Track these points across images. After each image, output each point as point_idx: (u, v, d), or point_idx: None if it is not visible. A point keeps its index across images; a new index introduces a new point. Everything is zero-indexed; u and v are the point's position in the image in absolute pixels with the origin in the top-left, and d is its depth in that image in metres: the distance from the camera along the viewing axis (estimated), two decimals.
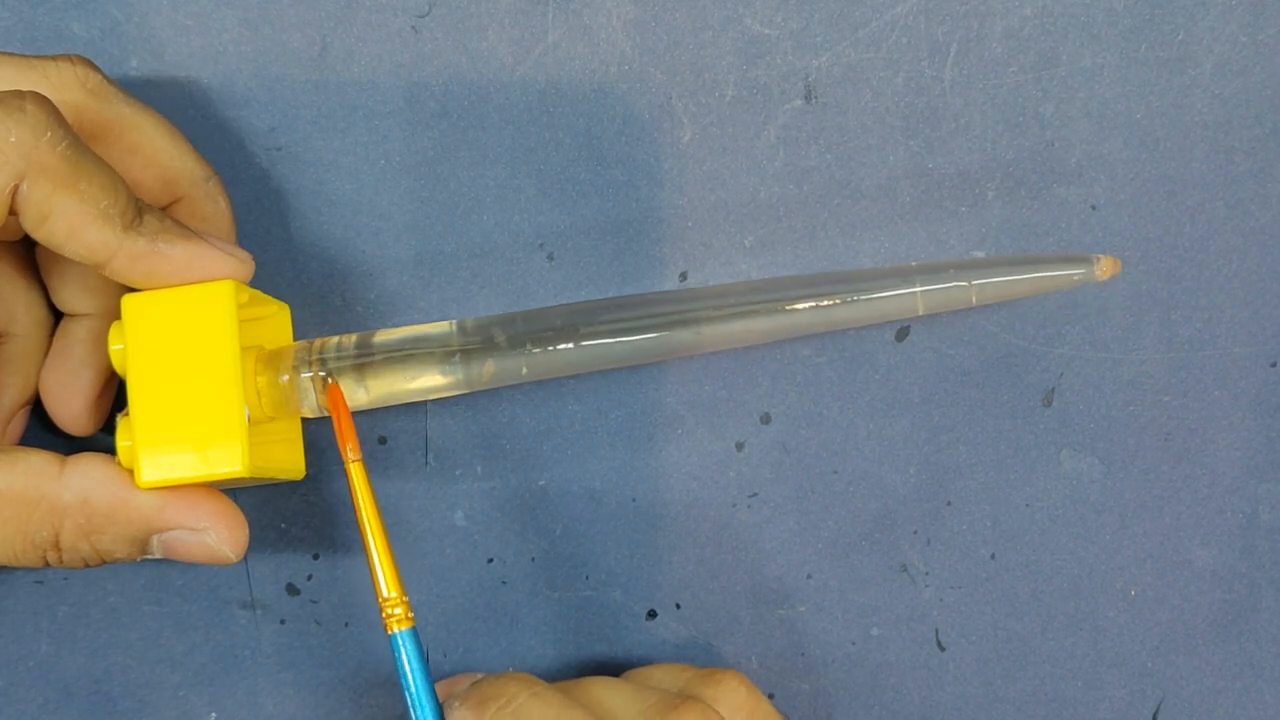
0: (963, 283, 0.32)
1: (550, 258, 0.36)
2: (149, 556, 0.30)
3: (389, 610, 0.30)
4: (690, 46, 0.36)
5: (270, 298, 0.33)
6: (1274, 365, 0.37)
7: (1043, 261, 0.32)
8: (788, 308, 0.32)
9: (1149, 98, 0.37)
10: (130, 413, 0.29)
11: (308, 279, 0.36)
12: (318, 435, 0.35)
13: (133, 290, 0.30)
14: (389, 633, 0.30)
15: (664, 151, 0.36)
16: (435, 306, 0.36)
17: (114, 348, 0.30)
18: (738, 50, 0.36)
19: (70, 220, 0.28)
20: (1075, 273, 0.32)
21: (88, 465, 0.29)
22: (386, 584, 0.30)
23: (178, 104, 0.35)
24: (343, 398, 0.31)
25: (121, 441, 0.30)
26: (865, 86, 0.36)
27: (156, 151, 0.32)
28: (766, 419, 0.37)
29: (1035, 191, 0.37)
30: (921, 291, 0.32)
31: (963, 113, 0.37)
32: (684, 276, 0.36)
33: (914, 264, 0.33)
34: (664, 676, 0.34)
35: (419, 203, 0.36)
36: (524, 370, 0.32)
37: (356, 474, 0.30)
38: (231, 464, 0.29)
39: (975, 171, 0.37)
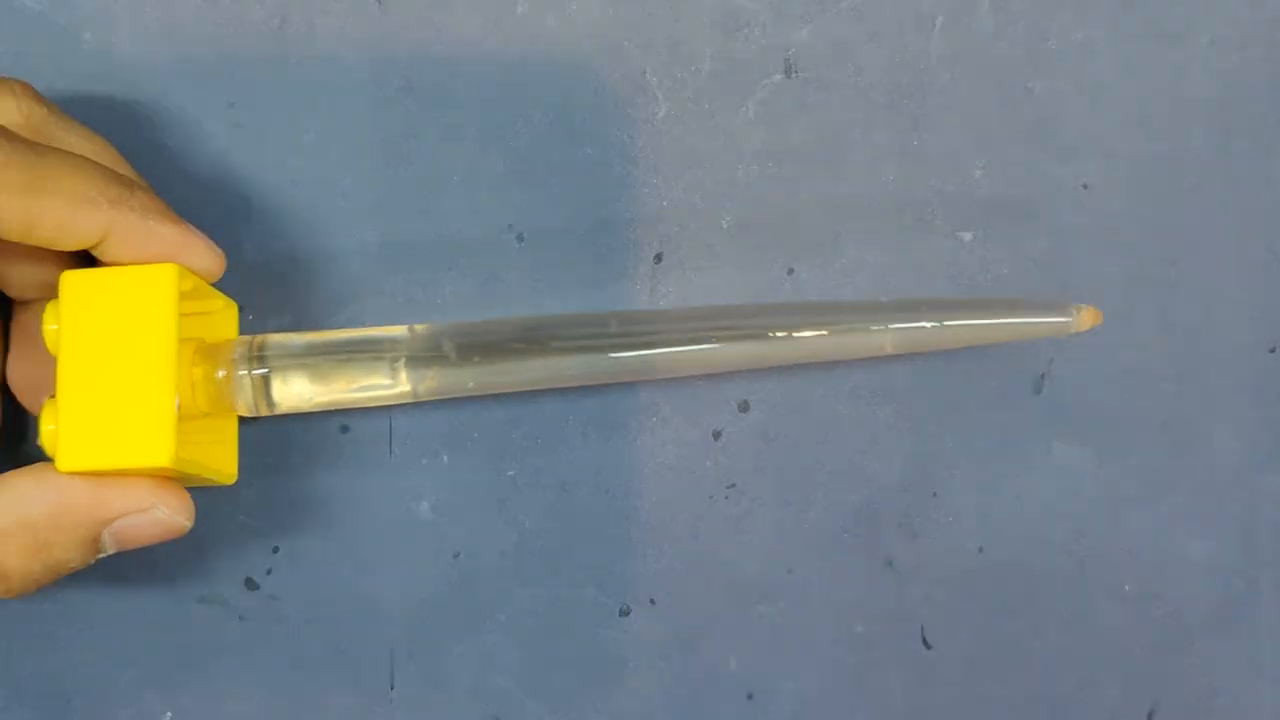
0: (934, 323, 0.32)
1: (520, 239, 0.36)
2: (103, 554, 0.30)
3: None
4: (666, 19, 0.36)
5: (217, 292, 0.33)
6: (1273, 351, 0.37)
7: (1020, 308, 0.32)
8: (762, 335, 0.32)
9: (1144, 73, 0.36)
10: (57, 395, 0.29)
11: (269, 261, 0.35)
12: (282, 421, 0.35)
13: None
14: None
15: (638, 128, 0.36)
16: (401, 289, 0.36)
17: (49, 328, 0.30)
18: (715, 23, 0.36)
19: (55, 217, 0.28)
20: (1055, 320, 0.31)
21: (14, 482, 0.29)
22: None
23: (133, 79, 0.35)
24: None
25: (46, 425, 0.29)
26: (848, 61, 0.36)
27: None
28: (745, 407, 0.36)
29: (1025, 170, 0.36)
30: (893, 330, 0.32)
31: (950, 88, 0.36)
32: (659, 258, 0.36)
33: (888, 300, 0.32)
34: None
35: (384, 182, 0.36)
36: (470, 384, 0.32)
37: None
38: (157, 455, 0.28)
39: (963, 149, 0.36)
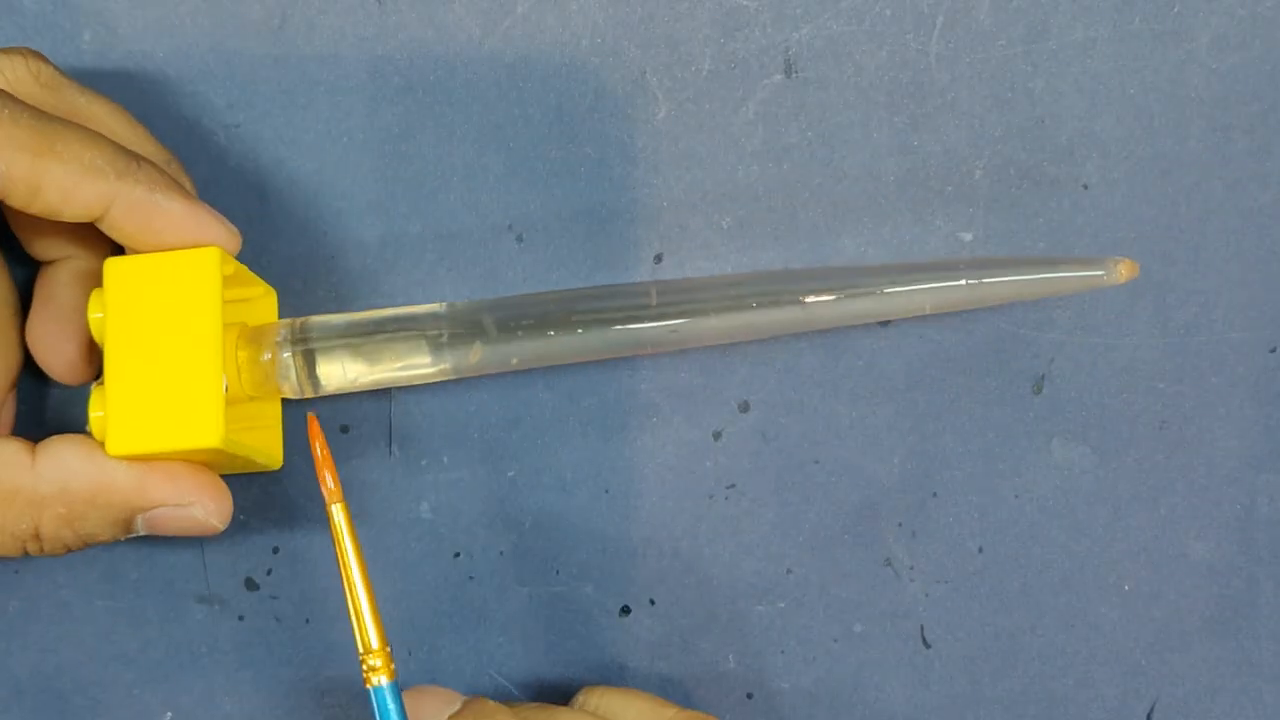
0: (972, 281, 0.32)
1: (519, 239, 0.36)
2: (134, 534, 0.30)
3: (369, 663, 0.29)
4: (665, 18, 0.36)
5: (257, 278, 0.33)
6: (1273, 351, 0.37)
7: (1057, 263, 0.32)
8: (801, 300, 0.32)
9: (1143, 72, 0.36)
10: (105, 381, 0.29)
11: (267, 262, 0.35)
12: (283, 420, 0.35)
13: (119, 254, 0.30)
14: (367, 686, 0.29)
15: (638, 128, 0.36)
16: (400, 290, 0.36)
17: (94, 316, 0.30)
18: (715, 22, 0.36)
19: (60, 182, 0.28)
20: (1092, 274, 0.32)
21: (61, 450, 0.29)
22: (367, 638, 0.29)
23: (132, 79, 0.36)
24: (319, 428, 0.31)
25: (94, 412, 0.30)
26: (848, 60, 0.36)
27: (115, 140, 0.31)
28: (745, 407, 0.36)
29: (1025, 170, 0.36)
30: (929, 289, 0.32)
31: (949, 88, 0.36)
32: (659, 259, 0.36)
33: (922, 261, 0.33)
34: (639, 716, 0.33)
35: (383, 182, 0.36)
36: (515, 360, 0.32)
37: (340, 515, 0.30)
38: (207, 437, 0.29)
39: (962, 149, 0.36)
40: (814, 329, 0.35)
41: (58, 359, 0.32)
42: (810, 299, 0.32)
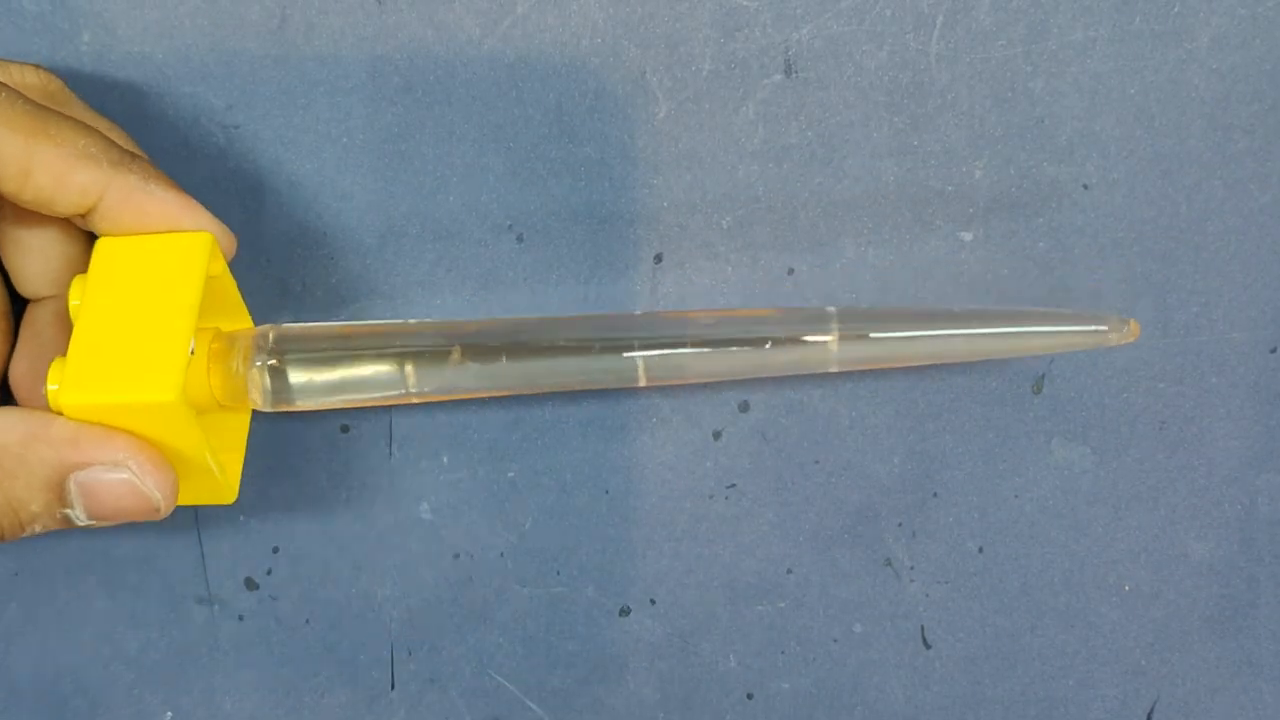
0: (965, 331, 0.31)
1: (519, 239, 0.36)
2: (68, 510, 0.28)
3: None
4: (666, 18, 0.36)
5: (243, 307, 0.33)
6: (1273, 351, 0.37)
7: (1059, 318, 0.31)
8: (797, 340, 0.31)
9: (1144, 72, 0.36)
10: (70, 348, 0.28)
11: (266, 262, 0.35)
12: (282, 419, 0.35)
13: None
14: None
15: (638, 128, 0.36)
16: (399, 290, 0.36)
17: (74, 303, 0.29)
18: (715, 22, 0.36)
19: (53, 166, 0.28)
20: (1096, 330, 0.31)
21: None
22: None
23: (131, 80, 0.36)
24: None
25: (51, 385, 0.28)
26: (848, 60, 0.36)
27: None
28: (745, 407, 0.36)
29: (1025, 170, 0.36)
30: (918, 338, 0.31)
31: (949, 88, 0.36)
32: (659, 259, 0.36)
33: (926, 308, 0.32)
34: None
35: (383, 182, 0.36)
36: (491, 384, 0.32)
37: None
38: (162, 389, 0.27)
39: (962, 149, 0.36)
40: (801, 374, 0.34)
41: (37, 399, 0.32)
42: (803, 339, 0.31)
